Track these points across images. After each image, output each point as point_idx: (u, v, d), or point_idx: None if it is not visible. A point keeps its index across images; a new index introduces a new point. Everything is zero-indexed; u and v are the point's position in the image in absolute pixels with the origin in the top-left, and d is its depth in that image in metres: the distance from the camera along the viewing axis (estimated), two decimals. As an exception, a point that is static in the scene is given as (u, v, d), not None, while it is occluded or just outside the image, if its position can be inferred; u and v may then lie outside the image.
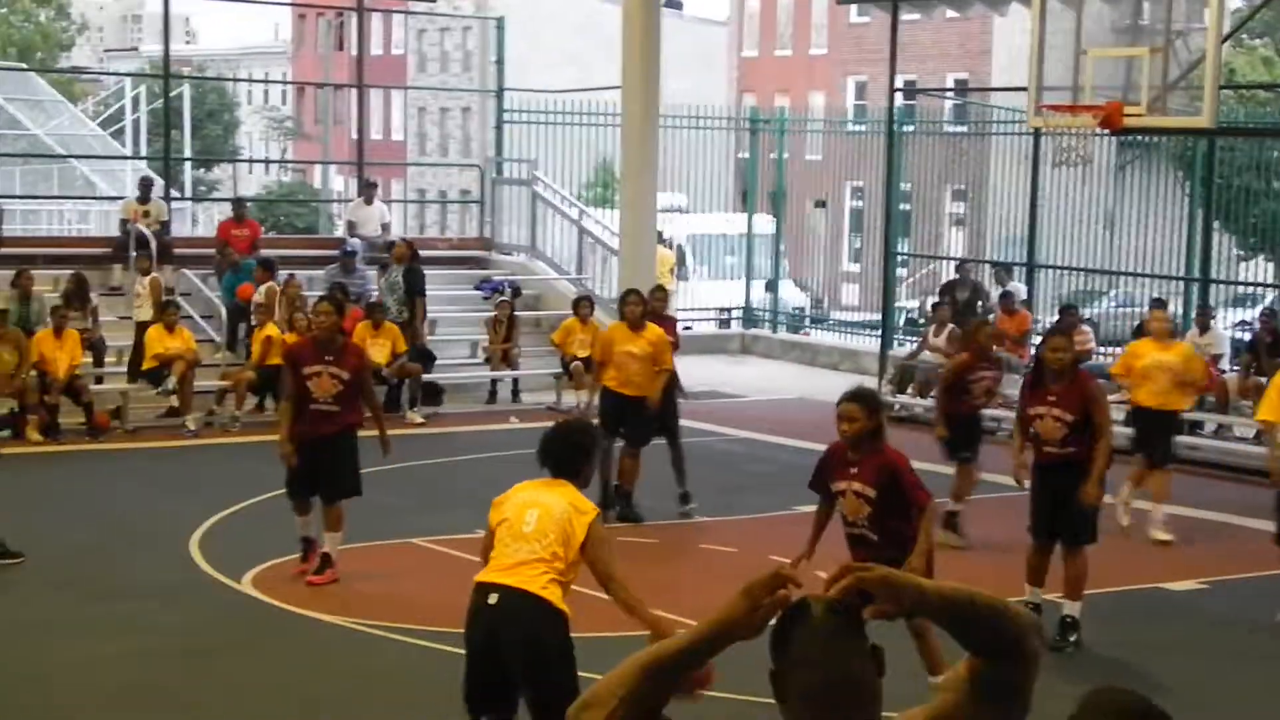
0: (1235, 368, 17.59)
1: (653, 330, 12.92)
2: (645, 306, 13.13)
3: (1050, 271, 22.36)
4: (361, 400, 10.65)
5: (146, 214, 19.57)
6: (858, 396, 8.02)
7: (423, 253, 20.24)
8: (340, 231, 22.52)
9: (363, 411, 10.68)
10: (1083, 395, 9.39)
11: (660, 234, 24.41)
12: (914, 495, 7.86)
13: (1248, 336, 18.82)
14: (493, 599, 6.26)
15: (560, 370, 19.12)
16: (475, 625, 6.34)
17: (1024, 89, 15.59)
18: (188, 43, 61.59)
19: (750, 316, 25.97)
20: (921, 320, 23.00)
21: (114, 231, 20.22)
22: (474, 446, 16.25)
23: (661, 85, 20.55)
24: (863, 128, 31.35)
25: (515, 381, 19.80)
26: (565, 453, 6.60)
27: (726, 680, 5.03)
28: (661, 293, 14.92)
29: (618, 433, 12.75)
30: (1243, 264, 28.25)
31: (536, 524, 6.32)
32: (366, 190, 21.97)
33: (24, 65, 37.64)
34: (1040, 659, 2.72)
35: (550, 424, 6.95)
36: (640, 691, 2.62)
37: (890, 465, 7.88)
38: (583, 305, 19.02)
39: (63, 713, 8.38)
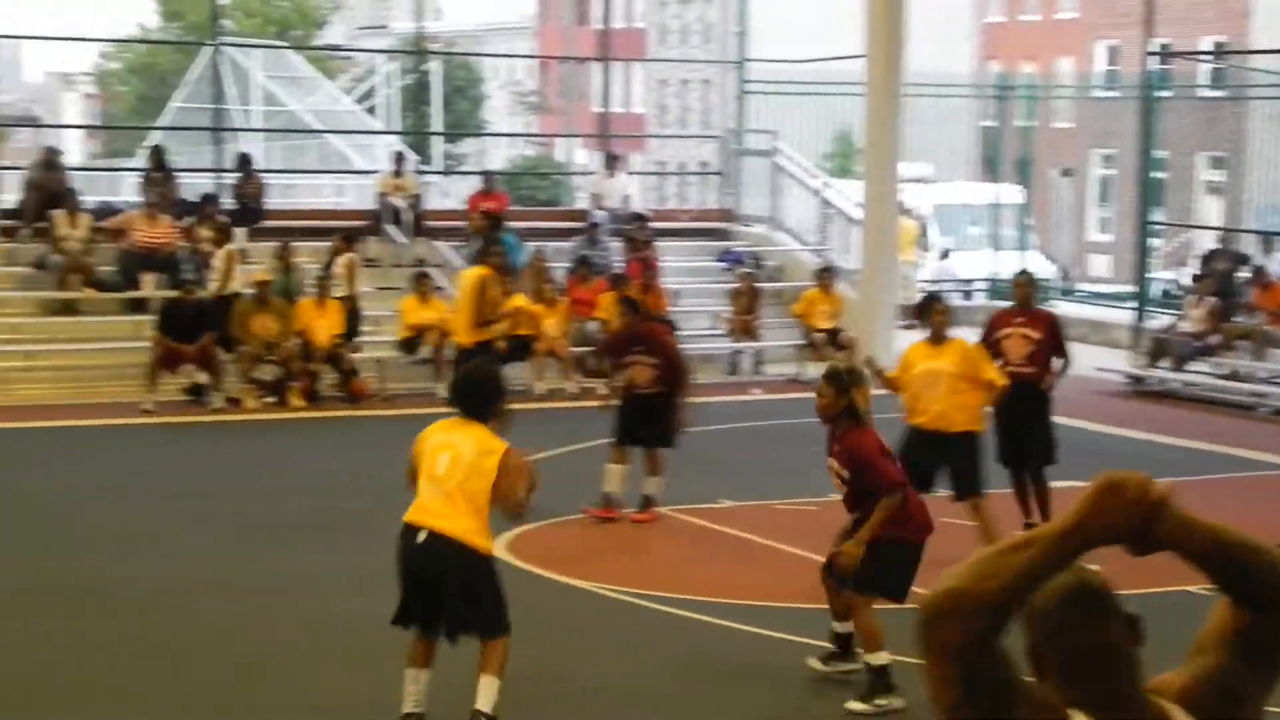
0: None
1: (959, 344, 10.64)
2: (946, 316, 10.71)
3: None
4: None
5: (400, 188, 20.12)
6: (828, 375, 8.20)
7: (664, 225, 20.31)
8: (584, 204, 22.80)
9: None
10: None
11: (903, 205, 24.13)
12: (873, 479, 7.89)
13: None
14: (420, 538, 7.12)
15: (802, 342, 19.07)
16: (406, 561, 7.20)
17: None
18: (436, 20, 62.91)
19: (995, 288, 25.51)
20: (1179, 293, 22.29)
21: (369, 204, 20.82)
22: (716, 418, 16.31)
23: (905, 53, 20.29)
24: (1114, 93, 30.47)
25: (757, 353, 19.82)
26: (475, 395, 7.27)
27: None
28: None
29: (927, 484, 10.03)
30: None
31: (448, 467, 7.05)
32: (610, 163, 22.19)
33: (283, 43, 38.90)
34: None
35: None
36: (1000, 602, 2.51)
37: (853, 449, 7.92)
38: (825, 276, 18.91)
39: (337, 661, 8.69)
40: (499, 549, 10.84)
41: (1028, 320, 11.36)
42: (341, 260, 17.89)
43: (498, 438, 7.17)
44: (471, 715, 7.17)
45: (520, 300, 17.53)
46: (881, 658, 7.76)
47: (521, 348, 17.14)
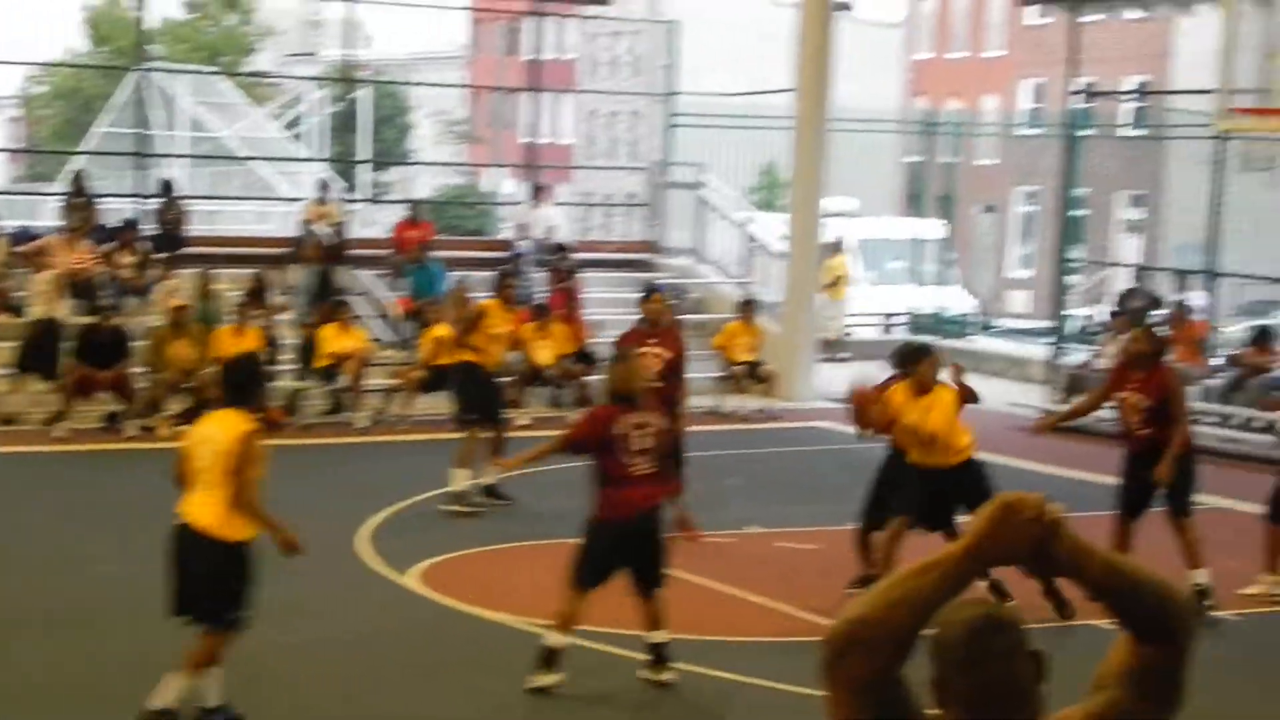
0: None
1: (944, 395, 10.16)
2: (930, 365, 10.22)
3: (1231, 280, 21.76)
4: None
5: (324, 215, 20.04)
6: None
7: (588, 256, 20.33)
8: (508, 234, 22.78)
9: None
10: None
11: (838, 240, 24.36)
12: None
13: None
14: (176, 528, 7.54)
15: (723, 374, 19.12)
16: (170, 549, 7.57)
17: (1210, 92, 15.21)
18: (366, 48, 62.77)
19: (915, 322, 25.69)
20: (1096, 329, 22.55)
21: (293, 232, 20.69)
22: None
23: (833, 88, 20.47)
24: (1038, 131, 30.86)
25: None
26: (235, 383, 7.63)
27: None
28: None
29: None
30: None
31: (207, 458, 7.37)
32: (536, 193, 22.20)
33: (211, 69, 38.68)
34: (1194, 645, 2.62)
35: None
36: (904, 629, 2.52)
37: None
38: (746, 308, 18.98)
39: (252, 688, 8.57)
40: (414, 580, 10.81)
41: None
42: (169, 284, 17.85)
43: (249, 423, 7.41)
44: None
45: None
46: None
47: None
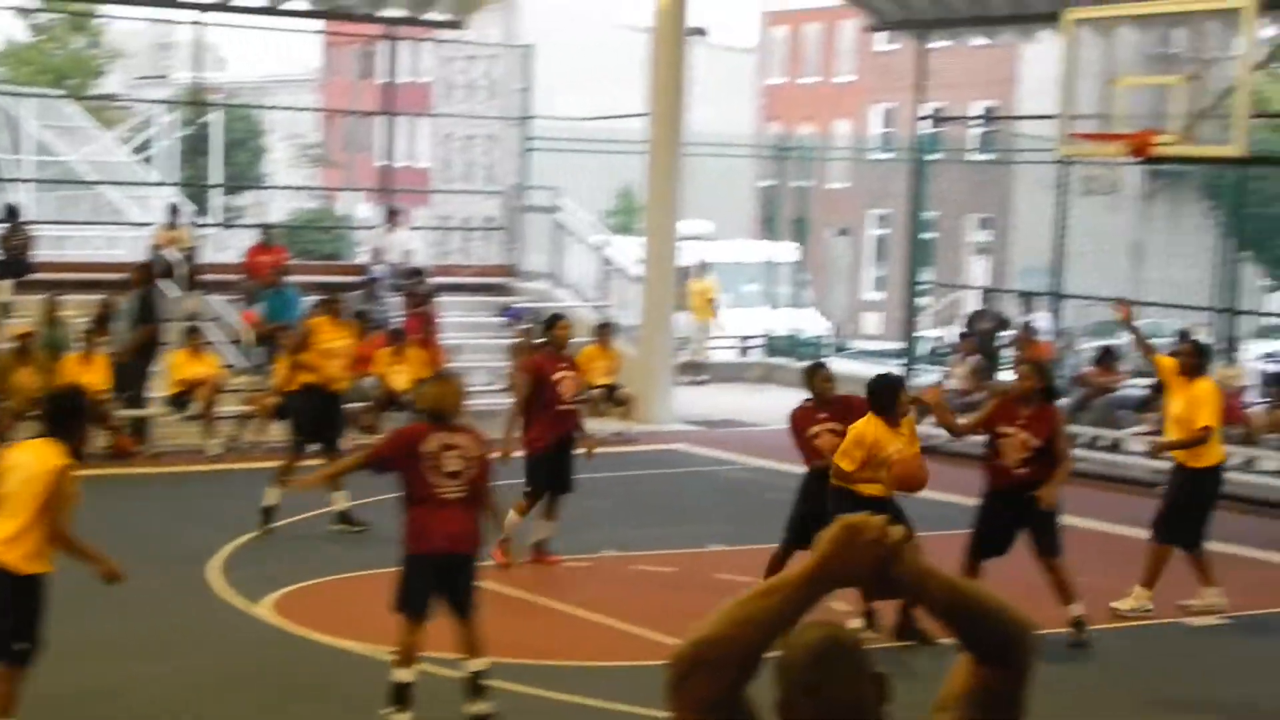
0: (1263, 401, 17.49)
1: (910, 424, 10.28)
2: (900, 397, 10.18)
3: (1075, 301, 22.29)
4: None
5: (175, 240, 19.73)
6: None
7: (445, 280, 20.25)
8: (365, 259, 22.61)
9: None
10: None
11: (706, 263, 24.55)
12: None
13: (1275, 369, 18.73)
14: None
15: (580, 397, 19.11)
16: None
17: (1053, 117, 15.54)
18: (218, 71, 61.94)
19: (771, 345, 25.94)
20: (946, 350, 22.96)
21: (143, 257, 20.32)
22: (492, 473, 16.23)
23: (687, 112, 20.63)
24: (888, 155, 31.38)
25: (538, 408, 19.79)
26: (55, 414, 7.41)
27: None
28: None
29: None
30: (1271, 295, 28.12)
31: (13, 487, 7.18)
32: (391, 217, 22.07)
33: (58, 92, 37.87)
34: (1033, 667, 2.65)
35: None
36: (748, 650, 2.54)
37: None
38: (603, 332, 19.03)
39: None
40: (267, 610, 10.66)
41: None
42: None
43: (63, 457, 7.21)
44: None
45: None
46: None
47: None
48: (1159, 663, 10.46)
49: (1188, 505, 11.13)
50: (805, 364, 10.96)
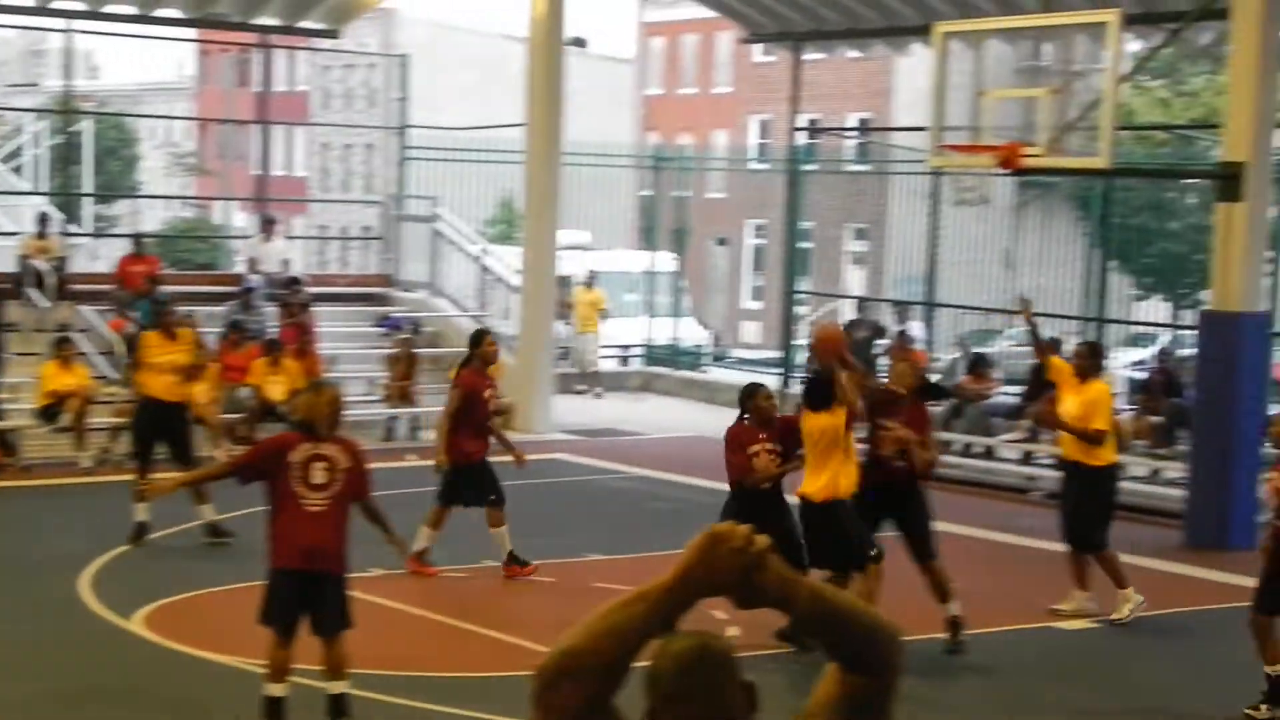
0: (1130, 408, 17.85)
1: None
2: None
3: (949, 310, 22.64)
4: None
5: (44, 250, 19.38)
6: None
7: (322, 290, 20.08)
8: (240, 268, 22.35)
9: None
10: None
11: (593, 273, 24.57)
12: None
13: (1143, 376, 19.12)
14: None
15: (461, 407, 19.05)
16: None
17: (925, 129, 15.74)
18: (90, 78, 60.90)
19: (650, 354, 26.03)
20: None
21: (11, 267, 19.95)
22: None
23: (565, 122, 20.66)
24: (765, 166, 31.62)
25: (414, 419, 19.72)
26: None
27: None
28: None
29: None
30: (1139, 304, 28.76)
31: None
32: (267, 226, 21.85)
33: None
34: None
35: None
36: (614, 660, 2.53)
37: None
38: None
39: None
40: (139, 624, 10.50)
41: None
42: None
43: None
44: None
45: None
46: None
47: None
48: (1027, 667, 10.65)
49: (1090, 505, 11.34)
50: (745, 384, 10.91)
